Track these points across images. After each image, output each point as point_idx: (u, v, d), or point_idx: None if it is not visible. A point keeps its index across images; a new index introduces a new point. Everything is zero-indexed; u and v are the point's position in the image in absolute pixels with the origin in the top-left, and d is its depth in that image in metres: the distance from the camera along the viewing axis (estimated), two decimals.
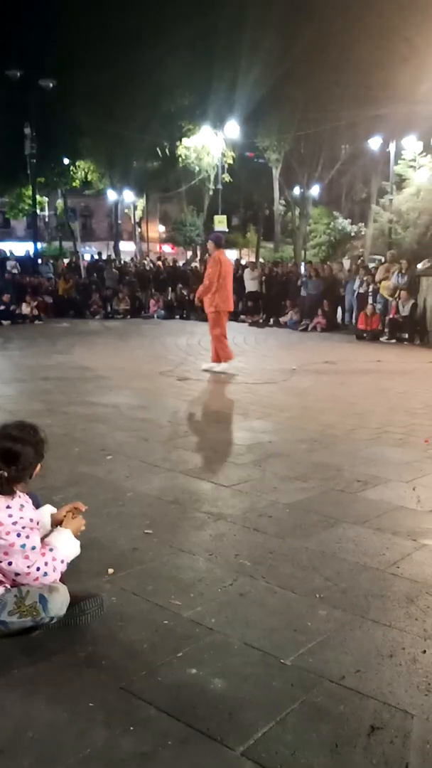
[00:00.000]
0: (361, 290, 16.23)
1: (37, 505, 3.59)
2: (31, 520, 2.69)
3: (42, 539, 2.78)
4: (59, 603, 2.63)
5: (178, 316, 19.68)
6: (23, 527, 2.64)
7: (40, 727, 2.12)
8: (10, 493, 2.67)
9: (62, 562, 2.77)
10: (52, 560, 2.72)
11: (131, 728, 2.13)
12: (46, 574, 2.68)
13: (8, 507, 2.63)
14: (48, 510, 3.07)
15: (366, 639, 2.69)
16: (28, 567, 2.64)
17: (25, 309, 18.34)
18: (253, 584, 3.13)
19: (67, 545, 2.82)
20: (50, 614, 2.61)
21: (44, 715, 2.19)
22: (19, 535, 2.62)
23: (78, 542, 2.89)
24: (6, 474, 2.65)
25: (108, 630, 2.71)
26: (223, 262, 9.91)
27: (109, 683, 2.36)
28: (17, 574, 2.64)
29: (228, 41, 26.65)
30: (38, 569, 2.66)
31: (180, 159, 31.77)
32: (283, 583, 3.14)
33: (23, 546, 2.62)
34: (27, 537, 2.64)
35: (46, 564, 2.69)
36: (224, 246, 10.57)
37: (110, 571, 3.22)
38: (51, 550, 2.74)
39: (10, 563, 2.62)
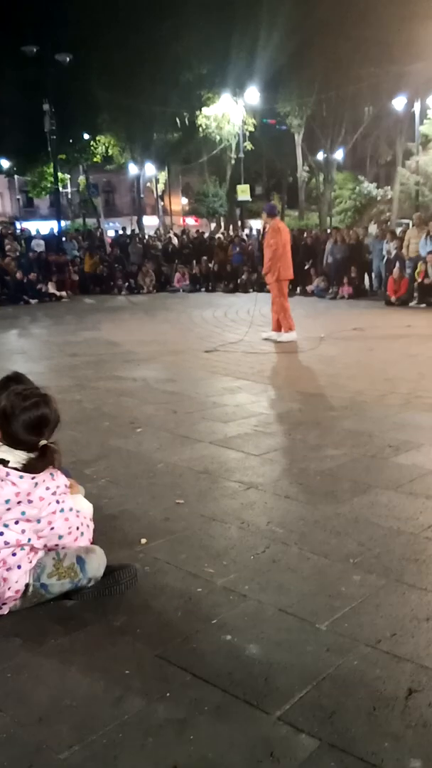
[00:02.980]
0: (390, 256, 15.95)
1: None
2: (64, 485, 2.77)
3: None
4: (96, 564, 2.70)
5: (203, 289, 19.59)
6: (61, 494, 2.73)
7: (77, 695, 2.14)
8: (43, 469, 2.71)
9: (90, 521, 2.93)
10: (84, 518, 2.86)
11: (167, 695, 2.14)
12: (83, 533, 2.81)
13: (43, 481, 2.66)
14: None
15: (401, 603, 2.66)
16: (69, 528, 2.74)
17: (51, 287, 18.40)
18: (286, 551, 3.12)
19: (86, 506, 3.00)
20: (88, 575, 2.69)
21: (81, 684, 2.21)
22: (58, 501, 2.71)
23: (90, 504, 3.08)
24: (47, 442, 2.71)
25: (142, 599, 2.72)
26: (281, 230, 9.81)
27: (145, 651, 2.37)
28: (60, 537, 2.72)
29: (244, 5, 26.07)
30: (78, 528, 2.78)
31: (200, 129, 31.37)
32: (315, 549, 3.12)
33: (62, 510, 2.72)
34: (63, 501, 2.73)
35: (81, 524, 2.82)
36: (278, 214, 10.48)
37: (143, 541, 3.23)
38: (78, 512, 2.85)
39: (52, 528, 2.70)
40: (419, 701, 2.09)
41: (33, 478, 2.65)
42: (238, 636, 2.45)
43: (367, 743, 1.92)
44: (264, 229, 10.26)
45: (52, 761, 1.88)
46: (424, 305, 14.28)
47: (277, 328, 9.80)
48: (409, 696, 2.11)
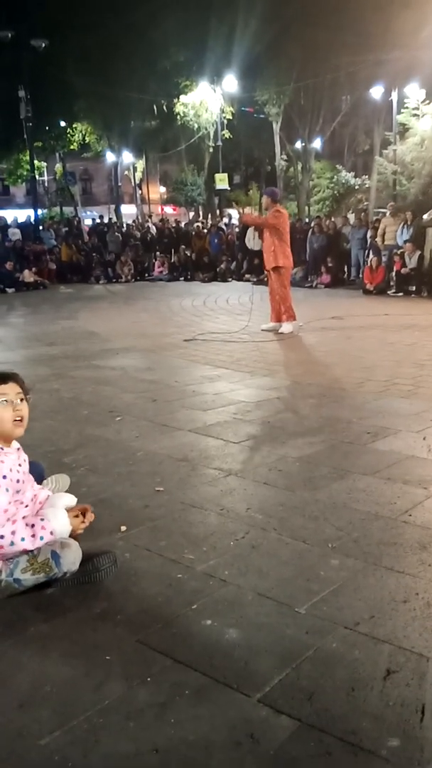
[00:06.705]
0: (367, 245, 16.04)
1: (41, 475, 3.53)
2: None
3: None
4: (72, 558, 2.63)
5: (182, 278, 19.54)
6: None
7: (58, 681, 2.14)
8: None
9: (51, 533, 2.66)
10: (31, 528, 2.63)
11: (148, 679, 2.15)
12: (12, 543, 2.58)
13: None
14: (68, 502, 2.92)
15: (379, 586, 2.69)
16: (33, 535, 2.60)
17: (28, 276, 18.24)
18: (265, 536, 3.14)
19: (59, 525, 2.70)
20: (63, 569, 2.62)
21: (61, 670, 2.20)
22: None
23: (68, 526, 2.74)
24: None
25: (122, 585, 2.73)
26: (284, 215, 9.85)
27: (125, 637, 2.38)
28: (23, 539, 2.58)
29: None
30: (2, 537, 2.56)
31: (178, 117, 31.15)
32: (294, 535, 3.14)
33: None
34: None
35: (13, 533, 2.58)
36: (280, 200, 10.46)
37: (123, 528, 3.23)
38: (42, 519, 2.67)
39: (12, 544, 2.55)
40: (397, 681, 2.12)
41: None
42: (218, 620, 2.47)
43: (346, 723, 1.95)
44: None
45: (33, 747, 1.88)
46: (401, 294, 14.39)
47: (278, 318, 9.72)
48: (387, 676, 2.14)
